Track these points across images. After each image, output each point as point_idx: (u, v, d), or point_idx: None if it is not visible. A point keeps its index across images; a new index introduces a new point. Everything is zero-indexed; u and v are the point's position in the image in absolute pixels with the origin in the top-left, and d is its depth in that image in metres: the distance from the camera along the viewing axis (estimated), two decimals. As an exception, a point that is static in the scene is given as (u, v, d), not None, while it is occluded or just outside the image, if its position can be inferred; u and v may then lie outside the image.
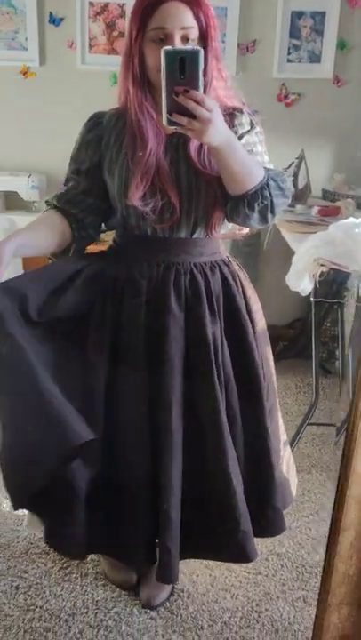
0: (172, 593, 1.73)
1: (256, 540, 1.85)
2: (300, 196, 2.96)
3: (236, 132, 1.37)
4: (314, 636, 0.84)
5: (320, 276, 2.00)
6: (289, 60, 3.06)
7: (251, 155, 1.37)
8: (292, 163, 2.99)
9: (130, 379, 1.43)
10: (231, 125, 1.36)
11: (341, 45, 3.01)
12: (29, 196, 3.15)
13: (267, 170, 1.36)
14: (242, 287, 1.53)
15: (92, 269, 1.46)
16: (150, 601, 1.68)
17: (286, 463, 1.69)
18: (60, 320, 1.42)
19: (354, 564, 0.79)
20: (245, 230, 1.51)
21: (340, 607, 0.81)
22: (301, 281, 2.02)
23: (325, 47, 3.02)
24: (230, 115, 1.39)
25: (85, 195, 1.47)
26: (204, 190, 1.38)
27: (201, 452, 1.44)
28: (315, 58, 3.05)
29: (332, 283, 2.40)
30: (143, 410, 1.43)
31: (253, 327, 1.53)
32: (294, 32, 3.01)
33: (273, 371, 1.66)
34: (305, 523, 2.05)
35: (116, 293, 1.45)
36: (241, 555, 1.50)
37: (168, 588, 1.73)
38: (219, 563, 1.85)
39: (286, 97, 3.12)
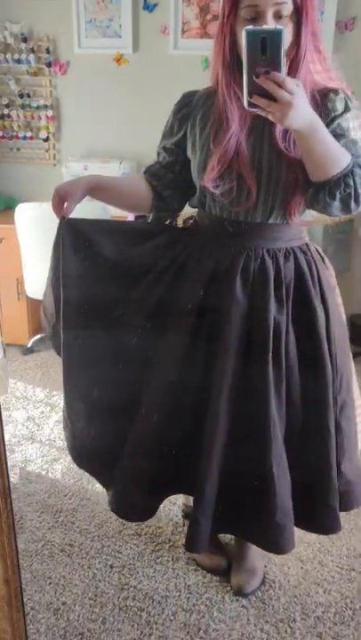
0: (263, 582, 1.73)
1: (349, 535, 1.82)
2: None
3: (327, 116, 1.31)
4: None
5: None
6: (390, 38, 2.91)
7: (341, 139, 1.30)
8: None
9: (184, 356, 1.44)
10: (322, 107, 1.30)
11: None
12: (120, 183, 3.19)
13: (355, 157, 1.29)
14: (318, 276, 1.47)
15: (167, 237, 1.52)
16: (241, 588, 1.69)
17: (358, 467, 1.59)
18: (117, 265, 1.48)
19: None
20: (330, 218, 1.42)
21: None
22: None
23: None
24: (324, 96, 1.33)
25: (167, 169, 1.52)
26: (285, 174, 1.34)
27: (245, 439, 1.42)
28: None
29: None
30: (194, 389, 1.44)
31: (328, 318, 1.45)
32: None
33: (351, 365, 1.57)
34: None
35: (179, 267, 1.47)
36: (273, 545, 1.50)
37: (259, 576, 1.73)
38: (311, 556, 1.83)
39: (386, 77, 2.97)
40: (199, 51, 2.97)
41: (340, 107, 1.33)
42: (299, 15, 1.27)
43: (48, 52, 3.22)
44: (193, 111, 1.44)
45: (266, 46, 1.13)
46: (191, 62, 3.02)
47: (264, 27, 1.18)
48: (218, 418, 1.40)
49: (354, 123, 1.35)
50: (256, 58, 1.15)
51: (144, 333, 1.48)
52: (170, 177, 1.51)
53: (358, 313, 3.35)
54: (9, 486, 0.78)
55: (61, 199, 1.43)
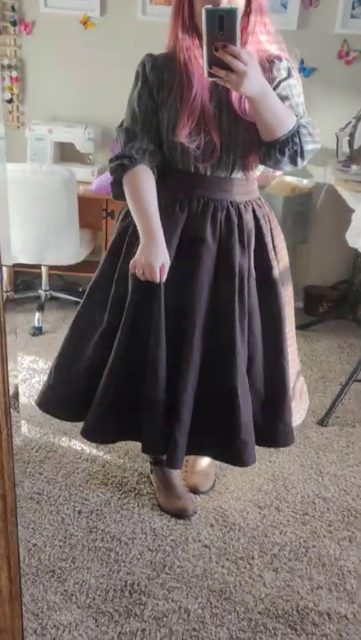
0: (214, 485, 1.99)
1: (303, 484, 1.99)
2: (356, 156, 2.95)
3: (273, 80, 1.48)
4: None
5: (380, 233, 2.02)
6: (352, 16, 3.00)
7: (286, 101, 1.48)
8: (350, 122, 2.97)
9: (162, 295, 1.56)
10: (269, 73, 1.47)
11: None
12: (85, 149, 3.20)
13: (298, 117, 1.47)
14: (270, 226, 1.67)
15: None
16: (197, 487, 1.95)
17: (300, 390, 1.85)
18: None
19: None
20: (278, 172, 1.64)
21: None
22: (361, 238, 2.04)
23: (391, 3, 2.96)
24: (270, 62, 1.49)
25: (154, 143, 1.55)
26: (242, 134, 1.49)
27: (215, 367, 1.59)
28: (379, 14, 2.99)
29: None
30: (171, 323, 1.57)
31: (278, 264, 1.67)
32: (360, -14, 2.94)
33: (292, 303, 1.79)
34: (350, 472, 2.13)
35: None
36: (238, 459, 1.65)
37: (212, 478, 2.00)
38: (268, 503, 1.95)
39: (347, 54, 3.07)
40: (167, 18, 2.98)
41: (284, 72, 1.51)
42: None
43: (13, 9, 3.17)
44: (160, 73, 1.52)
45: (223, 23, 1.29)
46: (159, 29, 3.00)
47: (221, 6, 1.33)
48: (192, 347, 1.56)
49: (297, 87, 1.53)
50: (214, 33, 1.29)
51: (126, 274, 1.59)
52: (154, 148, 1.55)
53: (313, 284, 3.49)
54: (8, 403, 0.84)
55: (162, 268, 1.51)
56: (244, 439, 1.62)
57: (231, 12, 1.28)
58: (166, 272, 1.51)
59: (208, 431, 1.63)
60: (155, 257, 1.49)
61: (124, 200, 1.58)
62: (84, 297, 1.71)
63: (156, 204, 1.53)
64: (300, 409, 1.85)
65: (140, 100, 1.55)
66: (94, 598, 1.57)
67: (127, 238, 1.61)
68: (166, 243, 1.52)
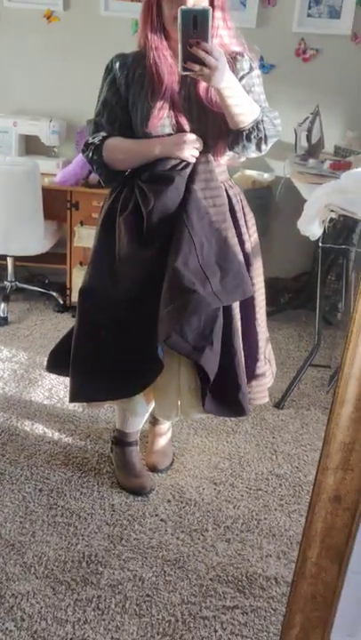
0: (172, 464, 2.08)
1: (258, 462, 2.08)
2: (313, 150, 3.05)
3: (237, 74, 1.58)
4: (313, 494, 1.00)
5: (329, 222, 2.12)
6: (309, 15, 3.10)
7: (250, 94, 1.59)
8: (307, 118, 3.07)
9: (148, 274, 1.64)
10: (233, 68, 1.56)
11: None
12: (50, 141, 3.24)
13: (262, 107, 1.60)
14: (242, 204, 1.77)
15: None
16: (156, 466, 2.04)
17: (269, 354, 1.98)
18: None
19: (350, 434, 0.94)
20: (243, 159, 1.76)
21: (336, 471, 0.97)
22: (312, 226, 2.14)
23: (345, 3, 3.07)
24: (233, 58, 1.59)
25: (121, 126, 1.66)
26: (210, 122, 1.60)
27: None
28: (335, 13, 3.10)
29: (340, 231, 2.51)
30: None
31: (250, 239, 1.78)
32: (316, -14, 3.05)
33: (261, 275, 1.88)
34: (303, 451, 2.23)
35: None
36: (241, 408, 1.74)
37: (169, 457, 2.09)
38: (224, 480, 2.04)
39: (305, 52, 3.18)
40: (129, 13, 3.05)
41: (246, 67, 1.62)
42: None
43: (-23, 3, 3.20)
44: (129, 72, 1.62)
45: (197, 22, 1.42)
46: (121, 24, 3.10)
47: (196, 7, 1.46)
48: None
49: (258, 80, 1.66)
50: (189, 31, 1.43)
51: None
52: (127, 133, 1.66)
53: (275, 276, 3.59)
54: None
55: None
56: (243, 391, 1.73)
57: (204, 13, 1.42)
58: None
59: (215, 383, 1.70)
60: (178, 136, 1.57)
61: (116, 181, 1.68)
62: (90, 271, 1.76)
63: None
64: (269, 373, 1.95)
65: (106, 99, 1.66)
66: (52, 569, 1.63)
67: (118, 213, 1.68)
68: (135, 220, 1.60)
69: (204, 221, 1.60)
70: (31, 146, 3.35)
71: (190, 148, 1.57)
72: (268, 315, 3.32)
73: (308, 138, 3.08)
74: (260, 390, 1.87)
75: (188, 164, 1.60)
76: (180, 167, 1.59)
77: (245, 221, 1.76)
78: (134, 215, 1.62)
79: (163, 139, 1.59)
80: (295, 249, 3.47)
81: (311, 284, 3.42)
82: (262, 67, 3.18)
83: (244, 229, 1.74)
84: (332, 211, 2.08)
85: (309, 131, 3.07)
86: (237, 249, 1.68)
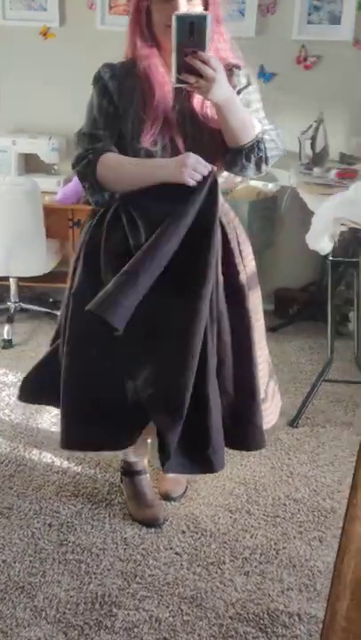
0: (185, 491, 1.99)
1: (274, 486, 1.99)
2: (318, 159, 2.99)
3: (234, 87, 1.49)
4: (341, 545, 0.93)
5: (339, 235, 2.05)
6: (309, 22, 3.05)
7: (247, 109, 1.49)
8: (311, 126, 3.02)
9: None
10: (231, 80, 1.47)
11: (362, 7, 3.00)
12: (50, 159, 3.19)
13: (262, 124, 1.51)
14: (236, 232, 1.66)
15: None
16: (169, 494, 1.96)
17: (272, 392, 1.85)
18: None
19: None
20: (239, 179, 1.63)
21: (366, 520, 0.90)
22: (321, 240, 2.07)
23: (346, 8, 3.01)
24: (229, 71, 1.49)
25: (110, 138, 1.53)
26: (206, 140, 1.50)
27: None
28: (335, 19, 3.04)
29: (349, 243, 2.44)
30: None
31: (245, 269, 1.67)
32: (315, -8, 3.00)
33: (260, 308, 1.77)
34: (320, 472, 2.15)
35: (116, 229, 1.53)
36: (207, 467, 1.63)
37: (183, 484, 2.00)
38: (240, 507, 1.96)
39: (305, 59, 3.12)
40: (126, 27, 3.00)
41: (243, 81, 1.53)
42: (207, 3, 1.44)
43: (-28, 22, 3.16)
44: (119, 82, 1.51)
45: (193, 29, 1.30)
46: (119, 38, 3.02)
47: (192, 12, 1.35)
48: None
49: (256, 94, 1.56)
50: (184, 39, 1.30)
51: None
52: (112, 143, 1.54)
53: (283, 287, 3.52)
54: None
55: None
56: (215, 447, 1.60)
57: (202, 19, 1.30)
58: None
59: (180, 440, 1.59)
60: (179, 159, 1.42)
61: (108, 203, 1.52)
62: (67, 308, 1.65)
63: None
64: (271, 412, 1.85)
65: (102, 108, 1.53)
66: (64, 612, 1.56)
67: (100, 244, 1.57)
68: (122, 251, 1.49)
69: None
70: (31, 164, 3.31)
71: (190, 171, 1.41)
72: (278, 327, 3.29)
73: (313, 146, 3.02)
74: (257, 435, 1.70)
75: (190, 191, 1.43)
76: (177, 196, 1.43)
77: (240, 251, 1.65)
78: (121, 247, 1.49)
79: (163, 161, 1.46)
80: (302, 259, 3.40)
81: (320, 295, 3.35)
82: (263, 75, 3.13)
83: (238, 259, 1.63)
84: (342, 224, 2.01)
85: (313, 139, 3.02)
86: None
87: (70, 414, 1.63)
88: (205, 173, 1.43)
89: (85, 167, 1.50)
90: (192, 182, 1.42)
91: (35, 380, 1.78)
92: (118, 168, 1.49)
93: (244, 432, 1.69)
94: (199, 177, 1.43)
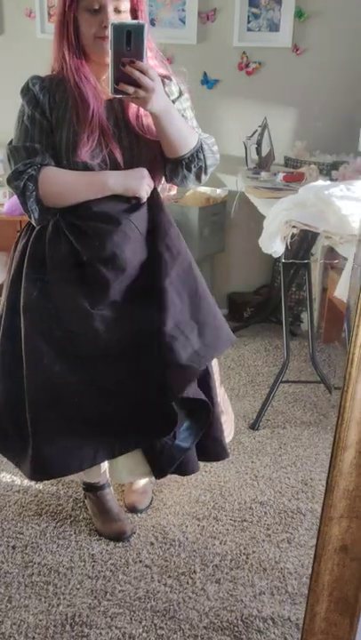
0: (151, 502, 1.97)
1: (239, 490, 2.02)
2: (265, 163, 3.03)
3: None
4: (317, 547, 0.93)
5: (291, 237, 2.08)
6: (249, 29, 3.09)
7: (182, 119, 1.47)
8: (256, 131, 3.05)
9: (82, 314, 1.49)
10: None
11: (299, 14, 3.06)
12: (-10, 170, 3.12)
13: (198, 134, 1.49)
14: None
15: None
16: (135, 506, 1.93)
17: (223, 400, 1.84)
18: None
19: (353, 480, 0.88)
20: (173, 191, 1.64)
21: (341, 520, 0.90)
22: (274, 243, 2.09)
23: (284, 16, 3.07)
24: (161, 82, 1.45)
25: (46, 151, 1.47)
26: (144, 151, 1.48)
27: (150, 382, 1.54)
28: (274, 27, 3.10)
29: (299, 245, 2.48)
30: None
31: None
32: (253, 0, 3.04)
33: None
34: (284, 473, 2.16)
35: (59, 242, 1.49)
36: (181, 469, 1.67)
37: (149, 495, 1.98)
38: (207, 514, 1.95)
39: (247, 66, 3.16)
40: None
41: (175, 90, 1.52)
42: (135, 12, 1.43)
43: None
44: (50, 95, 1.47)
45: (131, 38, 1.27)
46: (60, 47, 3.01)
47: (128, 21, 1.33)
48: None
49: (188, 103, 1.56)
50: (121, 49, 1.27)
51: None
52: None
53: (236, 291, 3.55)
54: None
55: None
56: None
57: (139, 28, 1.27)
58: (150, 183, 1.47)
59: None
60: (137, 172, 1.44)
61: (51, 218, 1.47)
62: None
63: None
64: (228, 424, 1.85)
65: (34, 119, 1.47)
66: (34, 637, 1.50)
67: (26, 261, 1.53)
68: (71, 265, 1.47)
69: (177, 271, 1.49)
70: (-26, 176, 3.21)
71: (146, 185, 1.43)
72: (233, 331, 3.29)
73: (259, 151, 3.06)
74: (217, 446, 1.71)
75: (139, 205, 1.47)
76: (128, 208, 1.45)
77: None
78: (70, 261, 1.46)
79: (115, 173, 1.44)
80: (254, 262, 3.44)
81: (273, 297, 3.40)
82: (206, 82, 3.16)
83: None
84: (293, 227, 2.03)
85: (259, 144, 3.06)
86: (208, 296, 1.57)
87: (40, 433, 1.54)
88: (152, 187, 1.46)
89: (26, 183, 1.43)
90: (146, 196, 1.44)
91: None
92: (63, 182, 1.45)
93: (204, 444, 1.67)
94: (150, 190, 1.46)
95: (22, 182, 1.43)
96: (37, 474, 1.59)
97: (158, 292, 1.46)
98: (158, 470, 1.66)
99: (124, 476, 1.76)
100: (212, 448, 1.70)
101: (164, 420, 1.53)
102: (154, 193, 1.50)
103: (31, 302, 1.52)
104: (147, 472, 1.69)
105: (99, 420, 1.54)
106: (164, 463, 1.63)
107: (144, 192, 1.44)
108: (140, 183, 1.43)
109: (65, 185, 1.45)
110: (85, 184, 1.45)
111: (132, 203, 1.47)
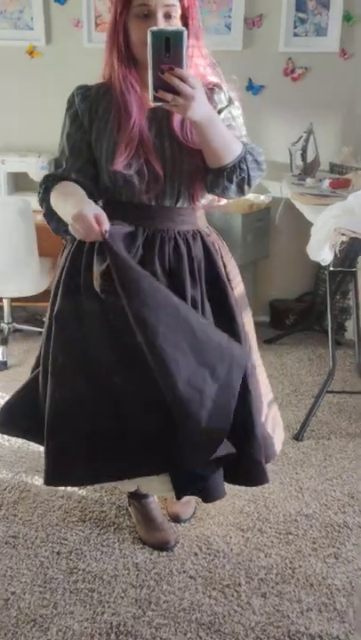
0: (195, 512, 1.96)
1: (284, 502, 1.98)
2: (310, 169, 2.99)
3: (215, 107, 1.44)
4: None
5: (340, 245, 2.04)
6: (295, 34, 3.07)
7: (229, 129, 1.44)
8: (301, 137, 3.02)
9: (112, 335, 1.48)
10: (211, 101, 1.42)
11: (347, 18, 3.02)
12: (39, 177, 3.11)
13: (244, 144, 1.44)
14: (221, 254, 1.62)
15: None
16: (178, 516, 1.92)
17: (272, 420, 1.76)
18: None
19: None
20: (224, 201, 1.59)
21: None
22: (322, 251, 2.06)
23: (331, 20, 3.03)
24: (210, 90, 1.46)
25: (88, 164, 1.49)
26: (186, 162, 1.45)
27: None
28: (321, 31, 3.06)
29: (347, 253, 2.43)
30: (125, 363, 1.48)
31: (233, 290, 1.61)
32: (301, 5, 3.01)
33: (253, 332, 1.72)
34: (329, 485, 2.12)
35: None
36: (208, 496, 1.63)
37: (192, 505, 1.96)
38: (251, 525, 1.92)
39: (293, 71, 3.13)
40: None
41: (224, 99, 1.49)
42: (185, 18, 1.40)
43: None
44: (93, 104, 1.48)
45: (170, 45, 1.25)
46: (106, 55, 3.04)
47: (168, 28, 1.31)
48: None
49: (237, 112, 1.52)
50: (160, 56, 1.25)
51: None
52: (92, 171, 1.49)
53: (278, 298, 3.51)
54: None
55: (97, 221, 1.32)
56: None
57: (178, 34, 1.25)
58: (106, 223, 1.31)
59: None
60: (80, 209, 1.30)
61: (66, 233, 1.46)
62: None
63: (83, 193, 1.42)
64: (273, 443, 1.76)
65: (69, 135, 1.49)
66: (79, 645, 1.50)
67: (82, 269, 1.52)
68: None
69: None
70: (20, 183, 3.28)
71: (82, 231, 1.30)
72: (275, 339, 3.27)
73: (304, 157, 3.02)
74: (258, 470, 1.63)
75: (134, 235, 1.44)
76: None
77: (226, 273, 1.60)
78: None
79: (82, 202, 1.34)
80: (297, 269, 3.40)
81: (316, 304, 3.35)
82: (252, 88, 3.14)
83: (225, 283, 1.58)
84: (342, 234, 1.99)
85: (304, 150, 3.02)
86: (204, 327, 1.47)
87: (60, 446, 1.55)
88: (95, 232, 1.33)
89: (43, 194, 1.48)
90: (79, 237, 1.35)
91: (13, 411, 1.74)
92: (55, 201, 1.44)
93: (243, 467, 1.62)
94: (94, 235, 1.33)
95: (40, 194, 1.49)
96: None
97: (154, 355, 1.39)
98: (177, 491, 1.61)
99: (153, 489, 1.75)
100: (251, 472, 1.63)
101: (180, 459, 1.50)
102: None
103: (60, 313, 1.54)
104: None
105: (113, 439, 1.52)
106: (181, 487, 1.59)
107: (93, 226, 1.30)
108: (85, 217, 1.30)
109: (55, 204, 1.44)
110: (62, 207, 1.41)
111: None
